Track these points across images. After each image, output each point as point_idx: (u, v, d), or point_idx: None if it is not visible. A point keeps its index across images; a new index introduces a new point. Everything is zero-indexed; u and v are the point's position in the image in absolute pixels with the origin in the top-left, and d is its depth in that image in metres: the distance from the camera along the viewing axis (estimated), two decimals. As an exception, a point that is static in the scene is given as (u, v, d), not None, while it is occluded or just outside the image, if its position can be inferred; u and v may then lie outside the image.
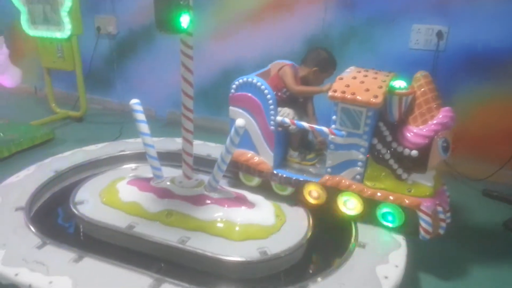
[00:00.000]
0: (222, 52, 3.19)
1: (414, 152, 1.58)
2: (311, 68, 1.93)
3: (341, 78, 1.70)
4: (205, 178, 1.87)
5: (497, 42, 2.47)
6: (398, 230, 1.69)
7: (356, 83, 1.66)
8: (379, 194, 1.69)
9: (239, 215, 1.70)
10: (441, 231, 1.66)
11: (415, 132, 1.60)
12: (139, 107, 1.85)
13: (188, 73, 1.69)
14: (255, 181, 2.00)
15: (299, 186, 1.86)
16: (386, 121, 1.67)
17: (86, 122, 3.48)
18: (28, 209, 1.76)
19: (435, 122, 1.58)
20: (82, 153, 2.32)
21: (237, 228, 1.65)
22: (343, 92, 1.63)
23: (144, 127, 1.87)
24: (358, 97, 1.61)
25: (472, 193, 2.43)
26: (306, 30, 2.92)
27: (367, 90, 1.61)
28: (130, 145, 2.46)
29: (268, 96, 1.80)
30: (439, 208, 1.63)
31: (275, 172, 1.89)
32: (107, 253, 1.53)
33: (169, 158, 2.30)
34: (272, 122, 1.83)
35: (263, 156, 1.91)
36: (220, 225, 1.67)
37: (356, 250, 1.59)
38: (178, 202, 1.74)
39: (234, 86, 1.89)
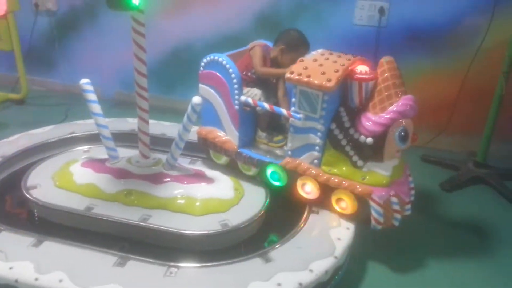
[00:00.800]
0: (171, 30, 3.12)
1: (369, 140, 1.54)
2: (279, 47, 1.87)
3: (302, 60, 1.66)
4: (162, 156, 1.88)
5: (434, 18, 2.63)
6: (351, 217, 1.68)
7: (315, 65, 1.61)
8: (333, 179, 1.66)
9: (199, 190, 1.74)
10: (395, 223, 1.62)
11: (372, 120, 1.55)
12: (89, 87, 1.82)
13: (141, 51, 1.67)
14: (223, 159, 1.99)
15: (261, 167, 1.85)
16: (347, 106, 1.62)
17: (28, 104, 3.30)
18: (-23, 197, 1.69)
19: (393, 109, 1.52)
20: (29, 136, 2.23)
21: (197, 203, 1.69)
22: (300, 75, 1.59)
23: (96, 108, 1.84)
24: (312, 80, 1.56)
25: (412, 159, 2.61)
26: (256, 7, 2.93)
27: (323, 73, 1.56)
28: (79, 126, 2.39)
29: (233, 75, 1.77)
30: (394, 199, 1.59)
31: (239, 151, 1.88)
32: (66, 236, 1.52)
33: (122, 138, 2.26)
34: (236, 102, 1.81)
35: (229, 135, 1.90)
36: (180, 201, 1.69)
37: (311, 217, 1.70)
38: (136, 182, 1.74)
39: (202, 63, 1.86)
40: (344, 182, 1.64)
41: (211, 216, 1.67)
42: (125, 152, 1.96)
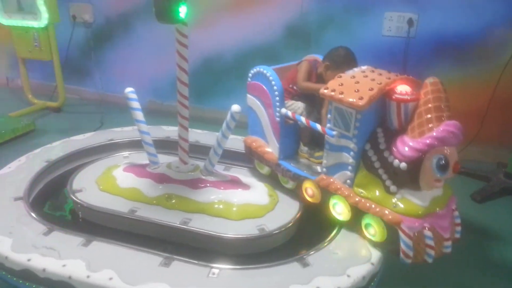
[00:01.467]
0: (202, 41, 3.23)
1: (403, 165, 1.42)
2: (324, 63, 1.84)
3: (340, 76, 1.60)
4: (199, 163, 1.95)
5: (463, 28, 2.66)
6: (380, 246, 1.56)
7: (351, 82, 1.53)
8: (363, 203, 1.55)
9: (236, 196, 1.80)
10: (428, 259, 1.46)
11: (408, 144, 1.42)
12: (133, 95, 1.91)
13: (184, 61, 1.75)
14: (265, 169, 2.01)
15: (298, 181, 1.83)
16: (385, 127, 1.53)
17: (64, 112, 3.45)
18: (27, 199, 1.78)
19: (432, 135, 1.38)
20: (71, 142, 2.34)
21: (234, 208, 1.75)
22: (333, 91, 1.54)
23: (139, 115, 1.93)
24: (344, 97, 1.49)
25: (442, 170, 2.63)
26: (284, 18, 3.02)
27: (357, 91, 1.48)
28: (117, 133, 2.49)
29: (275, 87, 1.78)
30: (428, 233, 1.43)
31: (279, 163, 1.88)
32: (111, 237, 1.60)
33: (158, 145, 2.33)
34: (277, 114, 1.82)
35: (271, 146, 1.91)
36: (218, 206, 1.76)
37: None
38: (176, 186, 1.82)
39: (250, 74, 1.91)
40: (374, 207, 1.53)
41: (248, 221, 1.72)
42: (162, 158, 2.04)
